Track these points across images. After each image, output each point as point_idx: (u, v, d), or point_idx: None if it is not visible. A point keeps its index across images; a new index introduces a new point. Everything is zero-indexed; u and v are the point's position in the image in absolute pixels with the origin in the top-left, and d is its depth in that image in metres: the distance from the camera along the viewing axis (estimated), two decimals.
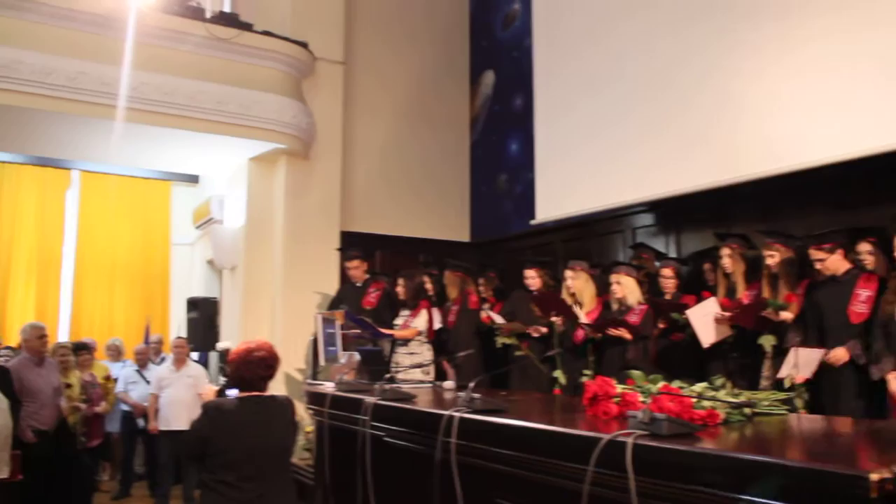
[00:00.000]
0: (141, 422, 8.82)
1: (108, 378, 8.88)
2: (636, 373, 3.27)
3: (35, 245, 10.40)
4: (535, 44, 7.86)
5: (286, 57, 7.74)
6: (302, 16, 8.05)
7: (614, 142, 6.85)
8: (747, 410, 2.93)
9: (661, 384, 3.11)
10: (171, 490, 8.34)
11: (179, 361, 8.39)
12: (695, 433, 2.53)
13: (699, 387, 3.09)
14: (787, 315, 4.73)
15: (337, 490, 4.84)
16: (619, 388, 3.13)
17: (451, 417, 3.36)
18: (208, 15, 7.39)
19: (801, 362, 4.40)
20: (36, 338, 6.41)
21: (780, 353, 4.68)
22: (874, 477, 1.77)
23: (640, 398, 3.01)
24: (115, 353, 9.47)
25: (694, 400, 2.80)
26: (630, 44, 6.73)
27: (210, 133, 7.31)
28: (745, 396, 3.15)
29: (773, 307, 4.77)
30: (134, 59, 6.71)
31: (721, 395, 3.03)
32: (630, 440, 2.42)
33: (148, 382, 8.82)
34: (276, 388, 7.60)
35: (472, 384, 3.56)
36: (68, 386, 7.37)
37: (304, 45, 7.90)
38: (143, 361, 9.21)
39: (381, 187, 8.73)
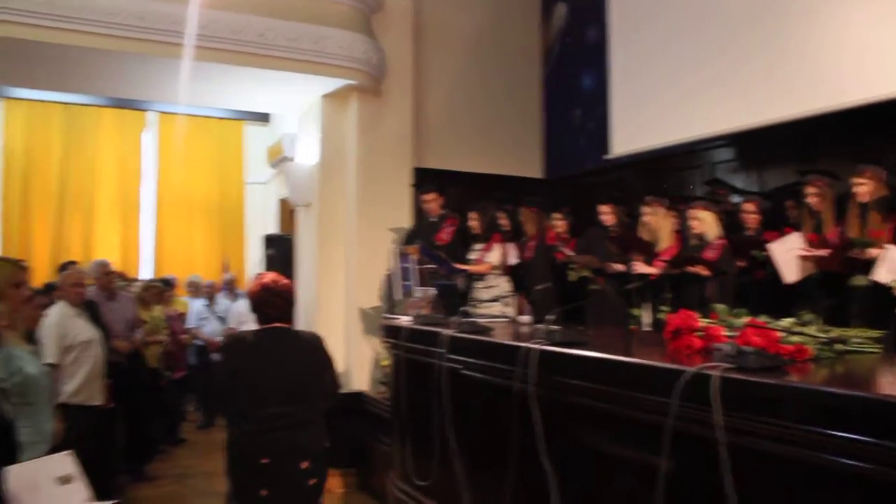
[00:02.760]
0: (214, 356, 9.11)
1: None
2: (720, 306, 3.21)
3: (116, 186, 10.73)
4: None
5: None
6: None
7: (692, 73, 6.63)
8: (838, 346, 2.85)
9: (745, 318, 3.04)
10: None
11: None
12: (783, 367, 2.48)
13: (786, 322, 3.01)
14: (874, 252, 4.53)
15: (414, 422, 4.93)
16: (703, 322, 3.08)
17: (529, 350, 3.36)
18: None
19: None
20: (103, 274, 6.62)
21: (872, 293, 4.49)
22: None
23: (725, 332, 2.96)
24: (195, 290, 9.76)
25: (781, 334, 2.74)
26: None
27: (281, 70, 7.30)
28: (835, 333, 3.05)
29: (860, 246, 4.57)
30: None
31: (810, 330, 2.94)
32: (716, 373, 2.38)
33: (219, 318, 9.10)
34: (351, 323, 7.81)
35: (550, 316, 3.54)
36: (151, 321, 7.64)
37: None
38: (211, 297, 9.49)
39: (453, 123, 8.65)
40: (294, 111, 8.95)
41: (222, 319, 9.40)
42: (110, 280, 6.87)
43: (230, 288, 9.82)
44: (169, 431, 8.40)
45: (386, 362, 6.75)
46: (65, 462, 3.11)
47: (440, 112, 8.59)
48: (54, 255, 9.95)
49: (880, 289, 4.37)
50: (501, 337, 4.06)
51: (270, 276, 3.93)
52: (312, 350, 3.96)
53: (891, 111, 5.00)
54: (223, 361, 3.84)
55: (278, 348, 3.79)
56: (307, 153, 8.47)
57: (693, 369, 2.48)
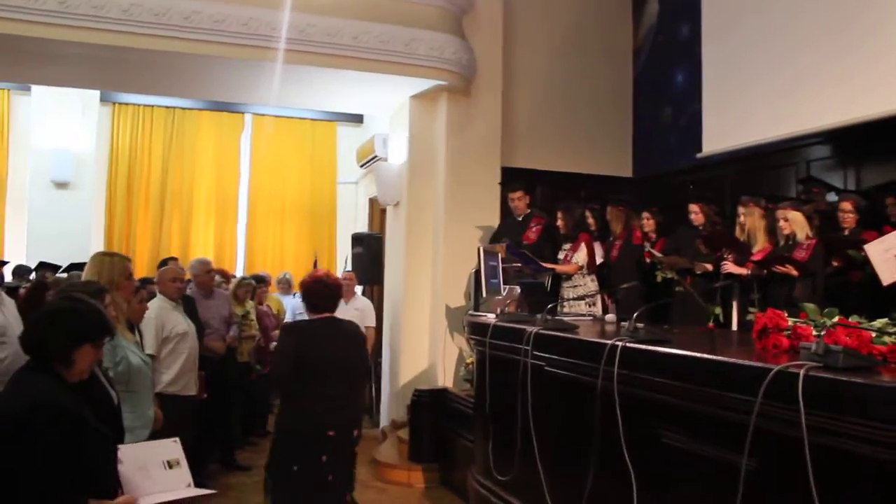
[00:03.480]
0: None
1: (280, 311, 9.43)
2: (809, 305, 3.14)
3: (214, 186, 11.14)
4: None
5: None
6: None
7: (786, 67, 6.45)
8: None
9: (836, 318, 2.97)
10: None
11: (348, 294, 8.77)
12: (874, 367, 2.41)
13: (879, 322, 2.93)
14: None
15: (496, 418, 4.96)
16: (791, 321, 3.03)
17: (614, 346, 3.36)
18: None
19: None
20: (204, 272, 6.85)
21: None
22: None
23: (814, 332, 2.90)
24: (286, 287, 10.02)
25: (874, 334, 2.67)
26: None
27: (373, 72, 7.47)
28: None
29: None
30: (298, 3, 6.93)
31: None
32: (802, 371, 2.34)
33: None
34: (437, 321, 7.90)
35: (635, 314, 3.53)
36: (243, 317, 7.88)
37: None
38: None
39: (542, 122, 8.65)
40: (385, 112, 9.12)
41: None
42: (210, 278, 7.11)
43: None
44: (257, 423, 8.65)
45: (471, 360, 6.81)
46: (172, 447, 3.25)
47: (528, 112, 8.60)
48: (154, 252, 10.40)
49: None
50: (586, 334, 4.07)
51: (323, 271, 4.57)
52: (354, 335, 4.50)
53: None
54: (287, 345, 4.28)
55: (332, 334, 4.32)
56: (397, 153, 8.61)
57: (778, 367, 2.44)
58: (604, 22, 9.03)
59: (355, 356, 4.40)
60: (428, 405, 7.20)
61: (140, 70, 7.59)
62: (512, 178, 7.84)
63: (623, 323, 3.76)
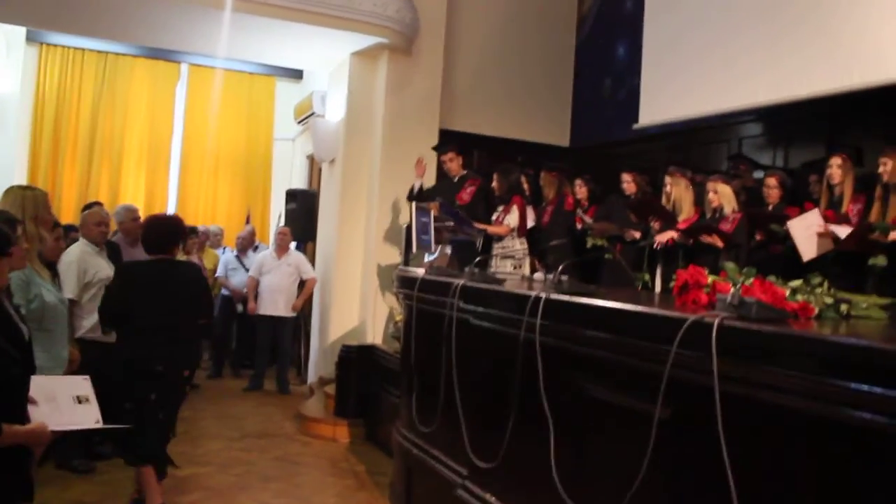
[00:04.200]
0: (239, 307, 9.23)
1: (214, 264, 9.29)
2: (730, 265, 3.21)
3: (146, 135, 10.87)
4: None
5: None
6: None
7: (725, 45, 6.58)
8: (843, 307, 2.85)
9: (754, 277, 3.04)
10: (266, 371, 8.77)
11: (282, 249, 8.70)
12: (785, 320, 2.48)
13: (794, 283, 3.01)
14: (895, 235, 4.48)
15: (421, 372, 4.98)
16: (711, 279, 3.09)
17: (538, 297, 3.39)
18: None
19: None
20: (130, 219, 6.68)
21: (890, 272, 4.46)
22: None
23: (733, 289, 2.96)
24: (216, 241, 9.87)
25: (787, 293, 2.75)
26: None
27: (314, 25, 7.36)
28: (842, 296, 3.05)
29: (881, 230, 4.54)
30: None
31: (816, 291, 2.94)
32: (716, 321, 2.40)
33: (247, 269, 9.20)
34: (369, 279, 7.89)
35: (560, 267, 3.57)
36: None
37: None
38: (244, 248, 9.57)
39: (483, 87, 8.65)
40: (325, 68, 9.00)
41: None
42: (136, 225, 6.96)
43: (252, 240, 9.91)
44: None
45: (400, 318, 6.83)
46: (82, 384, 3.27)
47: (469, 75, 8.59)
48: (80, 199, 10.12)
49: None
50: (512, 288, 4.09)
51: (158, 213, 4.58)
52: (189, 278, 4.69)
53: None
54: (115, 285, 4.54)
55: (164, 276, 4.50)
56: (335, 110, 8.52)
57: (693, 317, 2.49)
58: None
59: (186, 296, 4.54)
60: (356, 361, 7.21)
61: (74, 7, 7.32)
62: (448, 142, 7.84)
63: (549, 276, 3.79)
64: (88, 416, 3.17)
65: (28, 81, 10.26)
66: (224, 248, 9.94)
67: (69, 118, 10.44)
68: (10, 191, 4.24)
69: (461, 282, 4.29)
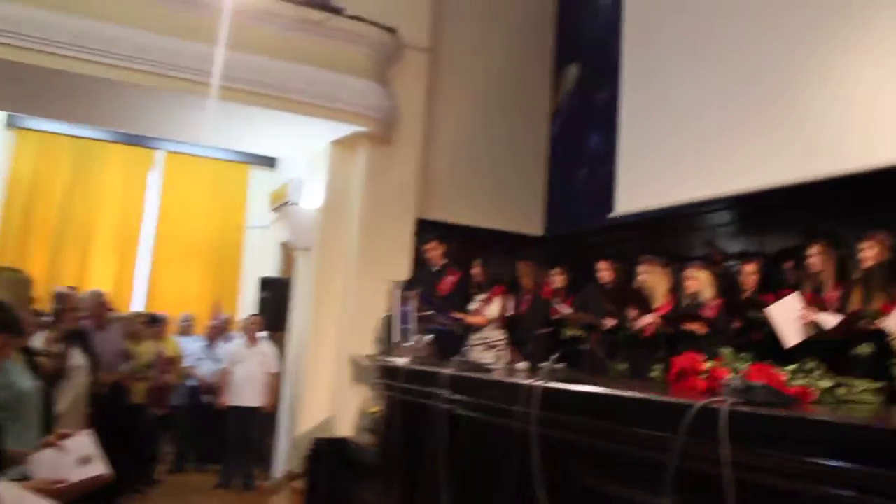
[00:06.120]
0: (206, 398, 9.00)
1: (176, 353, 9.09)
2: (726, 350, 3.22)
3: (117, 221, 10.74)
4: (626, 35, 7.82)
5: (375, 42, 7.84)
6: (391, 1, 8.14)
7: (699, 137, 6.76)
8: (842, 391, 2.86)
9: (750, 363, 3.05)
10: (236, 465, 8.49)
11: (252, 339, 8.57)
12: (791, 405, 2.47)
13: (790, 367, 3.02)
14: (885, 322, 4.52)
15: (405, 467, 4.84)
16: (708, 365, 3.09)
17: (532, 386, 3.35)
18: None
19: None
20: (97, 304, 6.58)
21: (879, 358, 4.49)
22: None
23: (730, 376, 2.96)
24: (186, 329, 9.70)
25: (786, 378, 2.75)
26: (725, 39, 6.63)
27: (296, 114, 7.44)
28: (838, 381, 3.07)
29: (867, 318, 4.60)
30: (225, 38, 6.86)
31: (814, 376, 2.96)
32: (725, 407, 2.37)
33: (216, 360, 9.02)
34: (341, 370, 7.76)
35: (553, 356, 3.55)
36: (132, 358, 7.55)
37: (392, 30, 7.98)
38: (213, 338, 9.41)
39: (459, 177, 8.76)
40: (302, 157, 9.06)
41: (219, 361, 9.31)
42: (103, 311, 6.84)
43: (222, 329, 9.75)
44: (144, 471, 8.21)
45: (375, 409, 6.71)
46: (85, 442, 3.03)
47: (446, 165, 8.71)
48: (48, 283, 9.89)
49: (882, 355, 4.39)
50: (506, 377, 4.04)
51: None
52: None
53: (890, 178, 5.11)
54: None
55: None
56: (312, 198, 8.54)
57: (701, 403, 2.47)
58: (525, 83, 9.29)
59: None
60: (327, 455, 7.03)
61: (52, 91, 7.34)
62: (427, 230, 7.89)
63: (541, 364, 3.74)
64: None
65: (3, 165, 10.17)
66: (194, 338, 9.75)
67: (41, 202, 10.29)
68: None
69: (450, 371, 4.23)
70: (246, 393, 8.41)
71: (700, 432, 2.44)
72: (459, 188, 8.74)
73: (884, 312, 4.49)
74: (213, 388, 8.74)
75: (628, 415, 2.85)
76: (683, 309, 5.65)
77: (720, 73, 6.63)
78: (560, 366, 3.47)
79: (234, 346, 8.78)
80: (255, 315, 8.96)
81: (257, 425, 8.55)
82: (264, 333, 8.84)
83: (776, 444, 2.24)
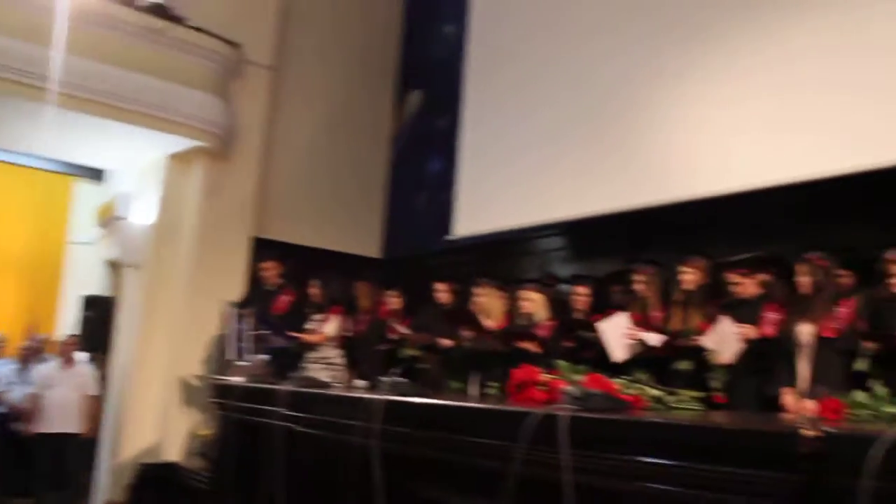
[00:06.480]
0: (16, 425, 8.35)
1: None
2: (562, 362, 3.34)
3: None
4: (470, 66, 8.04)
5: (217, 55, 7.60)
6: (236, 16, 7.95)
7: (534, 166, 7.03)
8: (669, 398, 3.03)
9: (586, 374, 3.17)
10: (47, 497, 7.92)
11: (68, 360, 8.03)
12: (627, 410, 2.60)
13: (621, 379, 3.18)
14: (702, 339, 4.84)
15: (241, 489, 4.69)
16: (546, 377, 3.19)
17: (374, 400, 3.33)
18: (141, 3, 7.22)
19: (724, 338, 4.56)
20: None
21: (698, 371, 4.80)
22: (806, 433, 1.87)
23: (569, 386, 3.07)
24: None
25: (619, 387, 2.89)
26: (561, 68, 6.97)
27: (128, 124, 7.09)
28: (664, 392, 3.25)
29: (687, 336, 4.92)
30: (58, 41, 6.46)
31: (644, 386, 3.12)
32: (565, 413, 2.46)
33: (29, 384, 8.38)
34: (170, 392, 7.42)
35: (395, 370, 3.55)
36: None
37: (236, 45, 7.79)
38: (27, 360, 8.75)
39: (297, 197, 8.65)
40: (132, 170, 8.65)
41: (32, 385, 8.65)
42: None
43: (37, 351, 9.08)
44: None
45: (207, 432, 6.47)
46: None
47: (286, 184, 8.59)
48: None
49: (700, 369, 4.69)
50: (347, 392, 4.00)
51: None
52: None
53: (714, 207, 5.54)
54: None
55: None
56: (142, 213, 8.17)
57: (543, 410, 2.55)
58: (368, 106, 9.34)
59: None
60: (154, 482, 6.70)
61: None
62: (262, 249, 7.72)
63: (383, 378, 3.74)
64: None
65: None
66: (4, 361, 9.02)
67: None
68: None
69: (289, 388, 4.15)
70: (59, 419, 7.84)
71: (541, 440, 2.51)
72: (298, 208, 8.63)
73: (702, 330, 4.81)
74: (23, 415, 8.10)
75: (471, 426, 2.90)
76: (518, 328, 5.80)
77: (556, 107, 6.96)
78: (402, 379, 3.46)
79: (46, 368, 8.19)
80: (72, 335, 8.42)
81: (73, 453, 7.99)
82: (84, 355, 8.32)
83: (613, 447, 2.34)
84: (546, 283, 6.28)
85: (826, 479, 1.80)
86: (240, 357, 6.20)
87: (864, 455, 1.69)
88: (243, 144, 8.02)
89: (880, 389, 3.40)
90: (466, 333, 6.08)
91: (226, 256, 7.75)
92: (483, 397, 4.74)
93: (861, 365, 3.94)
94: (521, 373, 3.23)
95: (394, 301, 6.98)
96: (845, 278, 4.64)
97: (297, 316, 7.00)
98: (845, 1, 5.11)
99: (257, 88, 8.22)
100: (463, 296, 6.70)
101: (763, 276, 4.82)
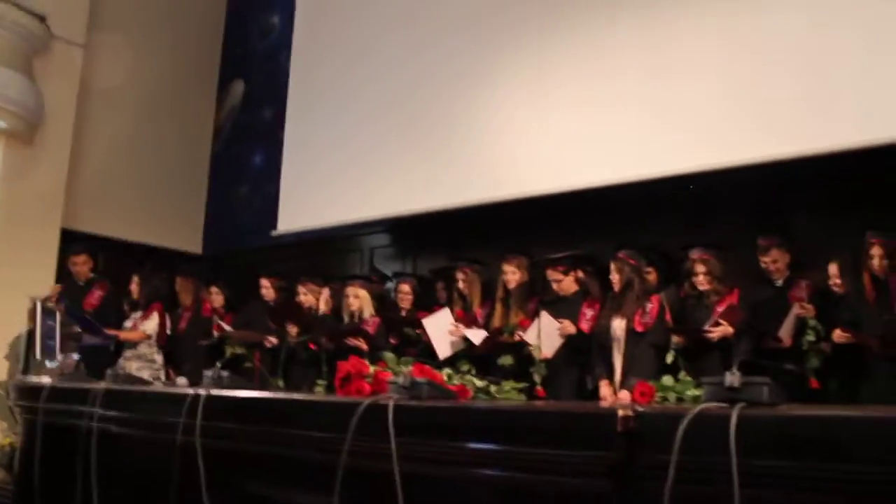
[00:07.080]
0: None
1: None
2: (388, 354, 3.38)
3: None
4: (294, 58, 7.93)
5: (18, 27, 7.04)
6: None
7: (360, 159, 7.04)
8: (493, 389, 3.14)
9: (412, 365, 3.23)
10: None
11: None
12: (453, 398, 2.66)
13: (447, 370, 3.26)
14: (523, 335, 5.02)
15: (51, 498, 4.38)
16: (373, 368, 3.21)
17: (196, 395, 3.23)
18: None
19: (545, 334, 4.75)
20: None
21: (520, 365, 4.95)
22: (621, 413, 1.99)
23: (394, 378, 3.11)
24: None
25: (445, 377, 2.96)
26: (387, 65, 7.01)
27: None
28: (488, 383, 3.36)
29: (509, 332, 5.10)
30: None
31: (469, 377, 3.22)
32: (391, 402, 2.49)
33: None
34: None
35: (218, 363, 3.46)
36: None
37: (41, 17, 7.26)
38: None
39: (113, 187, 8.20)
40: None
41: None
42: None
43: None
44: None
45: (8, 440, 6.03)
46: None
47: (99, 173, 8.13)
48: None
49: (522, 363, 4.88)
50: (166, 388, 3.85)
51: None
52: None
53: (534, 207, 5.78)
54: None
55: None
56: None
57: (368, 400, 2.57)
58: (188, 96, 9.00)
59: None
60: None
61: None
62: (73, 242, 7.28)
63: (206, 372, 3.62)
64: None
65: None
66: None
67: None
68: None
69: (103, 386, 3.94)
70: None
71: (369, 429, 2.52)
72: (113, 199, 8.20)
73: (524, 326, 5.00)
74: None
75: (298, 418, 2.88)
76: (346, 325, 5.80)
77: (379, 104, 7.01)
78: (225, 373, 3.38)
79: None
80: None
81: None
82: None
83: (441, 434, 2.39)
84: (371, 280, 6.31)
85: (640, 455, 1.94)
86: (49, 357, 5.82)
87: (673, 431, 1.82)
88: (50, 128, 7.49)
89: (685, 376, 3.71)
90: (291, 330, 6.01)
91: (31, 249, 7.23)
92: (309, 391, 4.71)
93: (671, 358, 4.24)
94: (347, 365, 3.22)
95: (215, 298, 6.80)
96: (651, 275, 4.98)
97: (110, 311, 6.70)
98: (652, 22, 5.46)
99: (67, 68, 7.69)
100: (288, 292, 6.63)
101: (579, 274, 5.08)
